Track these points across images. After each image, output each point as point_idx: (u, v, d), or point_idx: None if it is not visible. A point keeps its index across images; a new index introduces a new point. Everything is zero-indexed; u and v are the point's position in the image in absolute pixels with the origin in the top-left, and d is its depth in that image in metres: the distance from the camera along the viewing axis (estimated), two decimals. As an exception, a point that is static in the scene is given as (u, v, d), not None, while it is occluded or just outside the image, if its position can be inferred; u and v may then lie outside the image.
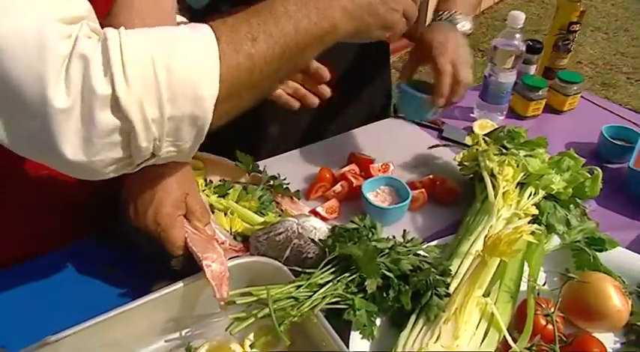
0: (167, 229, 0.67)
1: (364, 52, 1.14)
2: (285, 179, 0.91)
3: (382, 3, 0.61)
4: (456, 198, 0.95)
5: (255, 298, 0.63)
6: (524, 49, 1.12)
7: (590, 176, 0.88)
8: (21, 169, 0.73)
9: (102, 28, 0.69)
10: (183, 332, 0.71)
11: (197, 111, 0.49)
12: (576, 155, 0.91)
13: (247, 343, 0.68)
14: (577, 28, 1.23)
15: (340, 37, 0.59)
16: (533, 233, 0.70)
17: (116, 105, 0.45)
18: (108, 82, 0.45)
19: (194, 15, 1.22)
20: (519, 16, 1.09)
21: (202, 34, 0.50)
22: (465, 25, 0.96)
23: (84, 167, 0.48)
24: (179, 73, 0.47)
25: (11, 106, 0.44)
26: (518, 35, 1.10)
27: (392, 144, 1.10)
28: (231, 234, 0.79)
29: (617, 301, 0.68)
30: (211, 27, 0.50)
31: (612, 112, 1.26)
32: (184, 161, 0.58)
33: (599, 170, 0.88)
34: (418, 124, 1.19)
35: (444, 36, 0.92)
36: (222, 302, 0.65)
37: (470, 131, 1.16)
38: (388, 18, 0.62)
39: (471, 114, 1.24)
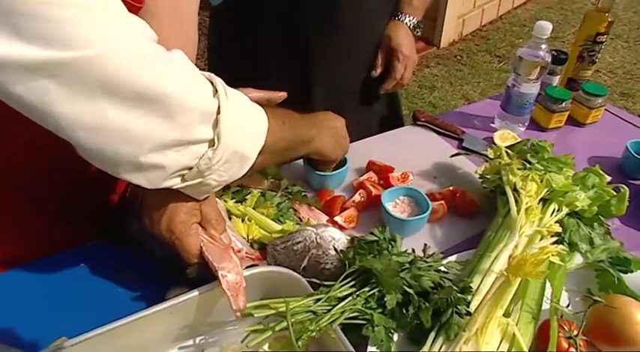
0: (181, 237, 0.66)
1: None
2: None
3: (336, 136, 0.87)
4: (475, 211, 0.93)
5: (273, 311, 0.62)
6: (549, 60, 1.09)
7: (616, 194, 0.86)
8: (36, 171, 0.73)
9: None
10: (197, 340, 0.70)
11: (248, 153, 0.62)
12: (602, 171, 0.89)
13: (262, 354, 0.67)
14: (604, 39, 1.20)
15: (314, 148, 0.82)
16: (558, 254, 0.68)
17: (216, 123, 0.56)
18: (214, 102, 0.56)
19: (213, 11, 1.23)
20: (546, 26, 1.06)
21: (260, 110, 0.66)
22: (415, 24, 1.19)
23: (155, 162, 0.54)
24: (250, 122, 0.63)
25: (125, 98, 0.49)
26: (544, 45, 1.08)
27: (411, 152, 1.09)
28: (248, 241, 0.78)
29: (643, 327, 0.66)
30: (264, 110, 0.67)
31: (637, 126, 1.23)
32: (202, 196, 0.66)
33: (627, 188, 0.86)
34: (437, 133, 1.17)
35: (408, 43, 1.16)
36: (238, 313, 0.64)
37: (490, 141, 1.14)
38: (344, 144, 0.90)
39: (492, 124, 1.22)
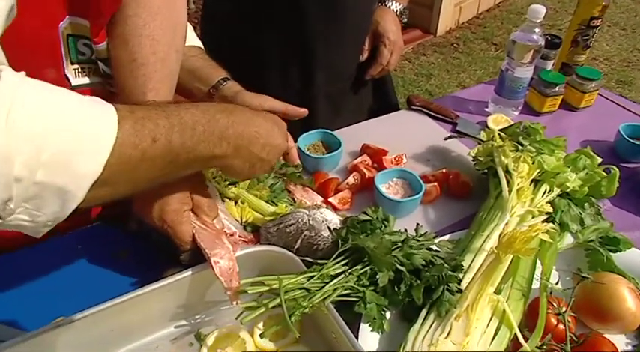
0: (174, 226, 0.67)
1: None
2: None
3: (262, 161, 0.66)
4: (468, 193, 0.94)
5: (266, 288, 0.63)
6: (543, 43, 1.10)
7: (606, 175, 0.87)
8: None
9: (110, 20, 0.68)
10: (193, 319, 0.71)
11: (70, 186, 0.44)
12: (593, 153, 0.89)
13: (257, 331, 0.68)
14: (598, 24, 1.20)
15: (220, 165, 0.63)
16: (548, 232, 0.69)
17: None
18: None
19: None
20: (539, 10, 1.06)
21: (106, 115, 0.47)
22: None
23: None
24: (68, 141, 0.43)
25: None
26: (537, 29, 1.08)
27: (405, 135, 1.10)
28: (241, 224, 0.79)
29: (631, 303, 0.67)
30: (118, 111, 0.48)
31: (629, 111, 1.24)
32: (32, 235, 0.49)
33: (617, 169, 0.87)
34: (431, 117, 1.18)
35: (395, 29, 1.17)
36: (231, 295, 0.65)
37: (484, 125, 1.15)
38: (256, 172, 0.68)
39: (486, 109, 1.23)
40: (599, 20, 1.20)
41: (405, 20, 1.22)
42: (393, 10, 1.19)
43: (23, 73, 0.43)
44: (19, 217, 0.44)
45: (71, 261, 0.79)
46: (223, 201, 0.81)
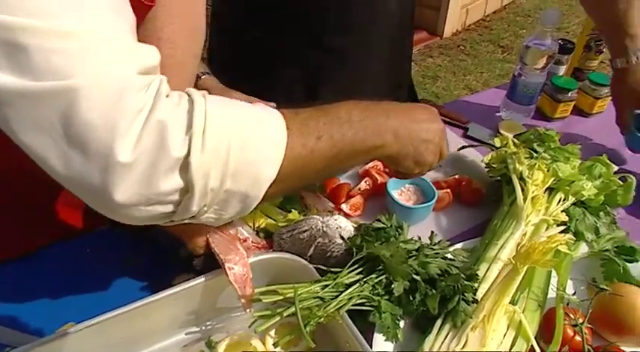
0: (187, 230, 0.66)
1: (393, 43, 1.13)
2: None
3: (426, 142, 0.66)
4: (480, 200, 0.93)
5: (281, 297, 0.62)
6: (557, 49, 1.08)
7: (622, 183, 0.86)
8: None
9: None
10: (203, 326, 0.71)
11: (251, 191, 0.51)
12: (609, 161, 0.88)
13: (268, 340, 0.67)
14: (612, 29, 1.19)
15: (383, 156, 0.64)
16: (567, 243, 0.68)
17: (185, 169, 0.46)
18: (184, 145, 0.45)
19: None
20: (555, 15, 1.05)
21: (276, 122, 0.53)
22: None
23: (127, 214, 0.48)
24: (249, 153, 0.50)
25: (76, 145, 0.43)
26: (551, 34, 1.07)
27: (416, 141, 1.08)
28: (254, 229, 0.78)
29: (649, 315, 0.66)
30: (284, 116, 0.54)
31: (642, 117, 1.22)
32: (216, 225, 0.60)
33: (633, 178, 0.86)
34: (443, 121, 1.16)
35: None
36: (244, 302, 0.64)
37: (495, 131, 1.14)
38: (426, 158, 0.67)
39: (497, 114, 1.21)
40: (613, 25, 1.18)
41: None
42: None
43: (205, 92, 0.50)
44: (208, 216, 0.52)
45: (80, 266, 0.79)
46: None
